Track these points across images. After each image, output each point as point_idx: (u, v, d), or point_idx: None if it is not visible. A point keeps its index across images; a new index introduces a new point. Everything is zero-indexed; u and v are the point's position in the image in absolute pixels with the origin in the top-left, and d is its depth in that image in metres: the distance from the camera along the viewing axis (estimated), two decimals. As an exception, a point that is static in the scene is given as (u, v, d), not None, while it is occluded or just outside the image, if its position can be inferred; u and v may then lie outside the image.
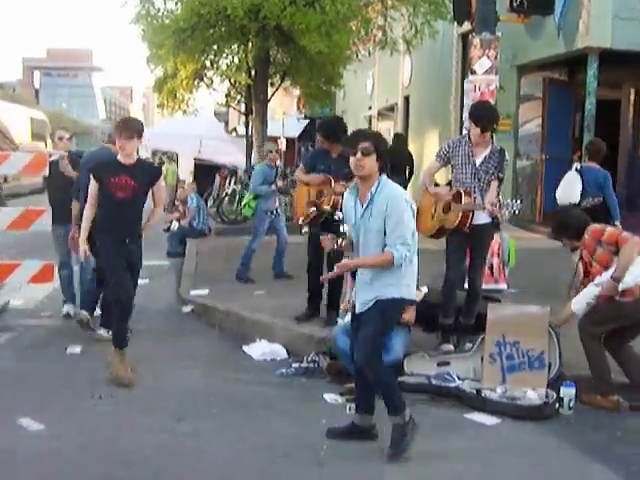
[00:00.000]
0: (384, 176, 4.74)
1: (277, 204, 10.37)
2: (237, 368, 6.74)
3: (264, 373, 6.58)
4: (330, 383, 6.22)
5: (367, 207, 4.72)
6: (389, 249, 4.63)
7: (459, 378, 6.02)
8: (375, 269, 4.73)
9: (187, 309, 8.86)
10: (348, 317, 6.52)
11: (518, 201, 6.43)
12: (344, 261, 4.76)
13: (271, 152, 10.35)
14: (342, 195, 7.15)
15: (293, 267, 9.66)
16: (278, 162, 10.90)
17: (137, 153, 6.47)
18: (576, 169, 8.95)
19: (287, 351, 7.08)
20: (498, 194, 6.53)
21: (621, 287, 5.65)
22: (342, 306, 7.02)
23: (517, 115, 15.30)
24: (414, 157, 14.28)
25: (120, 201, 6.22)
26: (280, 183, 10.15)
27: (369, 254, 4.74)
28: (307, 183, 7.67)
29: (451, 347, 6.59)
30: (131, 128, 6.22)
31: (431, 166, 6.84)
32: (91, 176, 6.39)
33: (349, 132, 7.73)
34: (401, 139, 14.58)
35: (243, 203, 11.77)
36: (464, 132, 8.46)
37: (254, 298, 8.80)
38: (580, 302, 5.85)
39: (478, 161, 6.52)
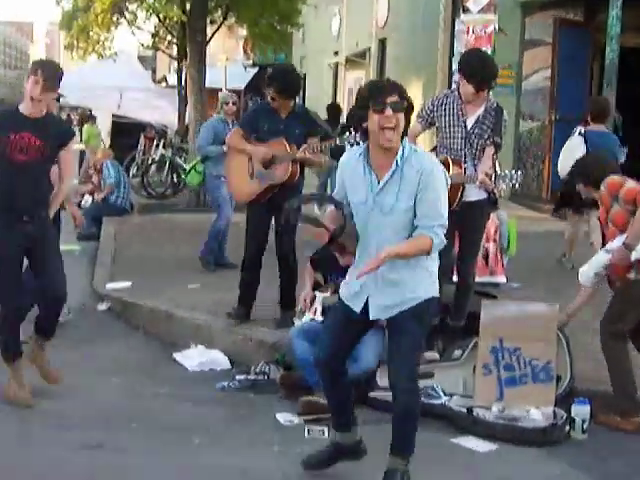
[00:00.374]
0: (406, 140, 4.62)
1: None
2: (167, 381, 6.73)
3: (201, 387, 6.58)
4: (284, 400, 6.23)
5: (390, 180, 4.57)
6: (426, 233, 4.49)
7: (445, 393, 6.07)
8: (395, 261, 4.53)
9: (103, 307, 8.81)
10: (306, 317, 6.54)
11: (519, 172, 6.48)
12: (387, 249, 4.45)
13: (227, 104, 10.27)
14: (300, 163, 7.21)
15: (236, 253, 9.63)
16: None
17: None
18: (579, 133, 9.08)
19: (230, 360, 7.09)
20: (494, 163, 6.56)
21: (634, 257, 5.63)
22: (300, 303, 7.01)
23: (520, 65, 15.39)
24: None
25: (20, 165, 5.94)
26: None
27: (392, 241, 4.52)
28: (245, 152, 7.46)
29: (436, 355, 6.62)
30: (54, 76, 5.93)
31: (411, 128, 6.81)
32: None
33: (310, 84, 7.76)
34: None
35: (188, 168, 11.72)
36: (453, 86, 8.52)
37: (187, 292, 8.79)
38: (586, 272, 5.90)
39: (470, 122, 6.53)
